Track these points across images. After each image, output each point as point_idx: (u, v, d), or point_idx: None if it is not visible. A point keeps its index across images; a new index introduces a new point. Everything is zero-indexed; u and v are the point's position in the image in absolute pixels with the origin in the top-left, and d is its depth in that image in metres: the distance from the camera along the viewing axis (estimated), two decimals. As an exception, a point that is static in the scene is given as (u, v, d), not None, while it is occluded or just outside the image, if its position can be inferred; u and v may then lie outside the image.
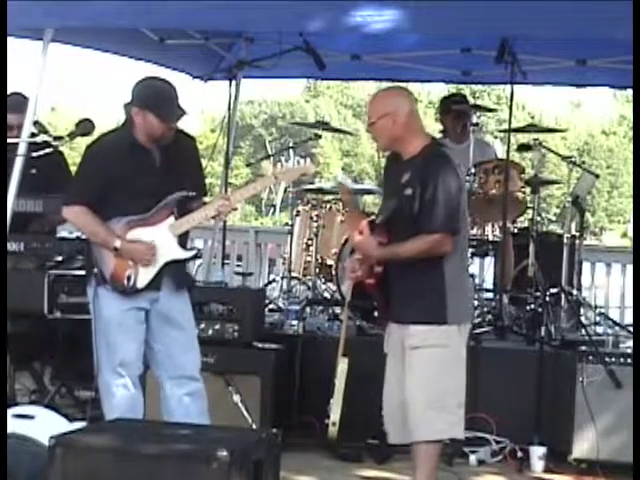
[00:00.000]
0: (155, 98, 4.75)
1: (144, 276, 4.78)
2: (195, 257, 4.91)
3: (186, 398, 4.87)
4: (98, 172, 4.80)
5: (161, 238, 4.78)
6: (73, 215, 4.87)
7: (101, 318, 4.80)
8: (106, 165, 4.78)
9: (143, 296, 4.81)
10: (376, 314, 4.93)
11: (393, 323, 4.66)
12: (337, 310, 7.06)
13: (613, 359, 5.81)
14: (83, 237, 6.12)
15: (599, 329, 7.20)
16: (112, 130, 5.07)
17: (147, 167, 4.81)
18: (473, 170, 7.00)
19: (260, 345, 6.07)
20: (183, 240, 4.87)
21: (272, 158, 8.43)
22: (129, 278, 4.76)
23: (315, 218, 7.31)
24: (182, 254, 4.85)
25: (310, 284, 7.31)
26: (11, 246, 5.71)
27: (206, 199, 4.97)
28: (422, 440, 4.54)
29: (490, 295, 7.49)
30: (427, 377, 4.51)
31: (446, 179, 4.44)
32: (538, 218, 7.19)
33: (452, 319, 4.50)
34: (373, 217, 5.31)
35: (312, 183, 8.40)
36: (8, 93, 5.97)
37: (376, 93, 4.89)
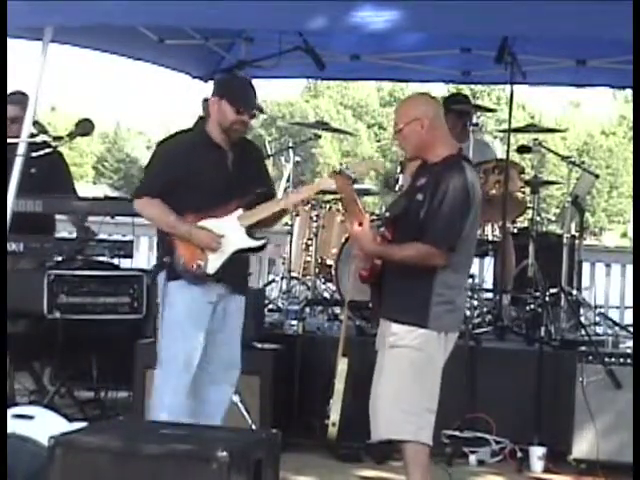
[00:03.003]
0: (231, 87, 5.05)
1: (213, 262, 4.89)
2: (264, 247, 4.99)
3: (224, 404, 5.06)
4: (167, 167, 4.95)
5: (230, 228, 4.90)
6: (142, 206, 4.98)
7: (174, 312, 4.88)
8: (176, 161, 4.92)
9: (212, 289, 4.91)
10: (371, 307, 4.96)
11: (382, 319, 4.68)
12: (337, 310, 7.06)
13: (613, 359, 5.81)
14: (83, 238, 6.17)
15: (599, 329, 7.22)
16: (187, 129, 5.16)
17: (219, 165, 4.95)
18: (473, 170, 7.00)
19: (260, 345, 6.07)
20: (253, 232, 4.95)
21: (272, 158, 8.40)
22: (199, 265, 4.87)
23: (315, 218, 7.31)
24: (251, 243, 4.95)
25: (310, 284, 7.31)
26: (11, 246, 5.71)
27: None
28: (387, 439, 4.55)
29: (490, 295, 7.49)
30: (397, 377, 4.51)
31: (455, 195, 4.41)
32: (538, 218, 7.19)
33: (433, 325, 4.48)
34: (374, 217, 5.32)
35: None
36: (10, 91, 5.99)
37: (403, 99, 4.93)
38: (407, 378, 4.50)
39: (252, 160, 5.07)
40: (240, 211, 4.90)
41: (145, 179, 5.11)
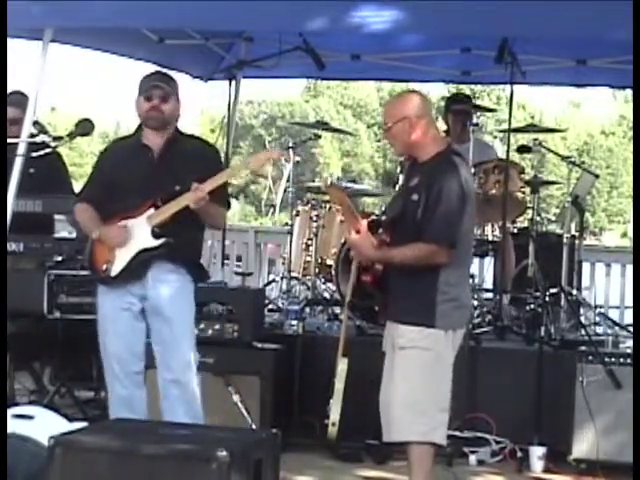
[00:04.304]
0: (140, 83, 5.00)
1: (118, 264, 4.86)
2: (163, 246, 4.81)
3: (173, 401, 4.89)
4: (97, 172, 5.09)
5: (138, 228, 4.83)
6: (76, 213, 5.09)
7: (99, 316, 4.97)
8: (104, 166, 5.06)
9: (128, 292, 4.87)
10: (376, 310, 4.93)
11: (389, 322, 4.68)
12: (337, 310, 7.06)
13: (613, 359, 5.81)
14: (83, 238, 6.17)
15: (599, 329, 7.21)
16: (127, 135, 5.23)
17: (144, 164, 4.92)
18: (473, 170, 6.99)
19: (260, 345, 6.07)
20: (158, 231, 4.82)
21: (272, 158, 8.38)
22: (106, 268, 4.87)
23: (315, 218, 7.31)
24: (152, 242, 4.83)
25: (310, 284, 7.31)
26: (11, 246, 5.71)
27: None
28: (399, 441, 4.55)
29: (490, 295, 7.48)
30: (408, 378, 4.51)
31: (450, 190, 4.42)
32: (538, 218, 7.19)
33: (440, 324, 4.49)
34: (374, 217, 5.30)
35: (312, 182, 8.41)
36: (9, 91, 5.99)
37: (391, 97, 4.89)
38: (418, 379, 4.50)
39: (188, 158, 4.90)
40: (152, 210, 4.83)
41: (83, 185, 5.19)
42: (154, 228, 4.81)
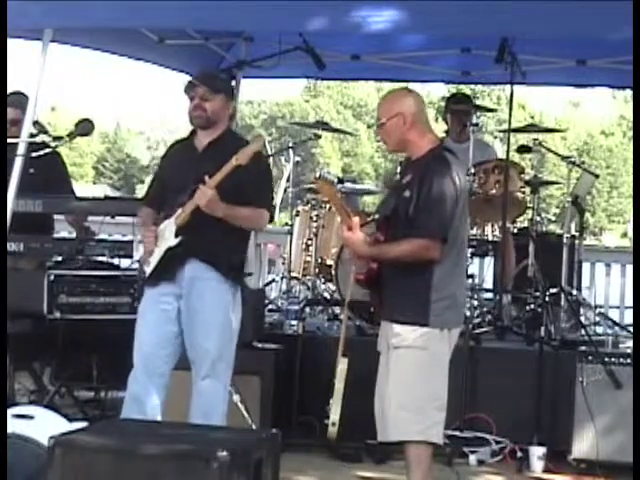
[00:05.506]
0: None
1: (151, 265, 4.94)
2: (180, 245, 4.84)
3: (192, 402, 4.92)
4: (156, 175, 5.23)
5: (169, 228, 4.89)
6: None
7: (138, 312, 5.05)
8: (161, 168, 5.20)
9: (164, 290, 4.90)
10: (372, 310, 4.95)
11: (383, 321, 4.68)
12: (337, 310, 7.06)
13: (613, 359, 5.82)
14: (83, 238, 6.18)
15: (599, 329, 7.22)
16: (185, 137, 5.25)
17: (188, 164, 4.96)
18: (473, 170, 7.00)
19: (260, 345, 6.07)
20: (179, 230, 4.84)
21: (272, 158, 8.40)
22: (145, 269, 4.97)
23: (315, 218, 7.31)
24: (174, 242, 4.87)
25: (310, 284, 7.31)
26: (11, 246, 5.71)
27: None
28: (395, 440, 4.55)
29: (490, 295, 7.48)
30: (403, 378, 4.50)
31: (441, 186, 4.41)
32: (538, 218, 7.20)
33: (434, 322, 4.47)
34: (373, 216, 5.29)
35: (313, 183, 8.41)
36: (9, 92, 5.99)
37: (385, 94, 4.89)
38: (413, 378, 4.50)
39: (227, 157, 4.80)
40: (180, 210, 4.87)
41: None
42: (177, 227, 4.86)
